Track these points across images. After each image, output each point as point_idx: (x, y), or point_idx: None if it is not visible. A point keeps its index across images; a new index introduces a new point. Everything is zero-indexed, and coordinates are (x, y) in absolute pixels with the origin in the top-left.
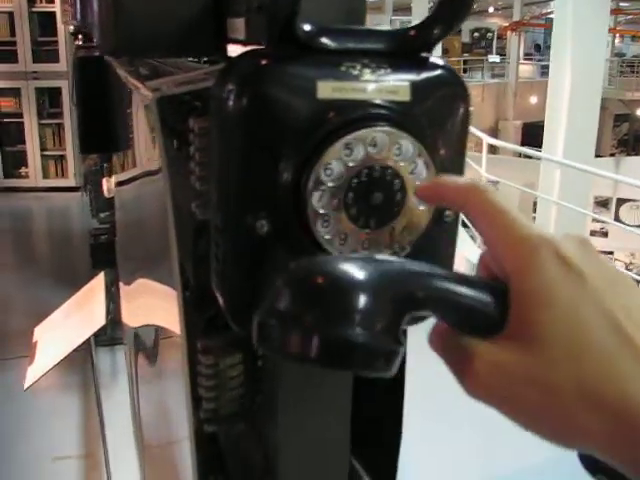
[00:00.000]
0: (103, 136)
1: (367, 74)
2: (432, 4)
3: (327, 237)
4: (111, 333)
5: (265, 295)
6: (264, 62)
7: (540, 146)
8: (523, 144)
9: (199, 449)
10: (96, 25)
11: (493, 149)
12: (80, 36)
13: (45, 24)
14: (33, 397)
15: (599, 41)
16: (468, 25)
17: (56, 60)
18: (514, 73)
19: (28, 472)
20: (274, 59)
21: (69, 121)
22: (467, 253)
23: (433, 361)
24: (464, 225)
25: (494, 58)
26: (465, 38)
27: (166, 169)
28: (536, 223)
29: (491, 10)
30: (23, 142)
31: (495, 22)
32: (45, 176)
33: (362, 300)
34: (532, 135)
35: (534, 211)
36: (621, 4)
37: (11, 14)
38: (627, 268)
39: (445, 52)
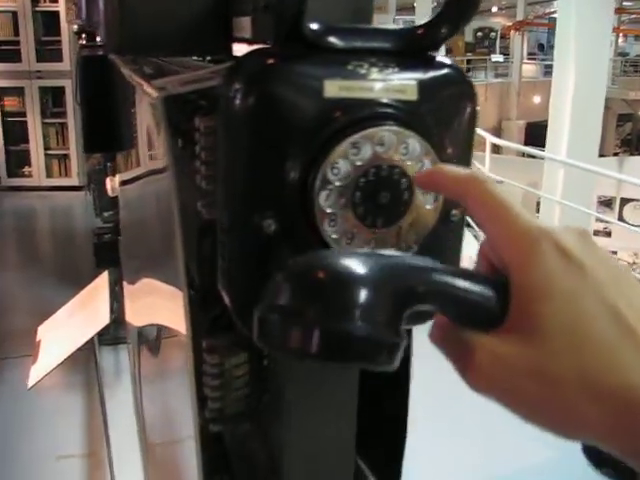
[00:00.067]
0: (107, 135)
1: (374, 73)
2: (435, 4)
3: (334, 236)
4: (114, 332)
5: (265, 291)
6: (271, 61)
7: (543, 146)
8: (526, 144)
9: (204, 449)
10: (102, 23)
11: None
12: (84, 35)
13: (49, 23)
14: (37, 396)
15: (603, 41)
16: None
17: (60, 59)
18: (517, 73)
19: (32, 471)
20: (281, 58)
21: (72, 120)
22: (472, 253)
23: (432, 361)
24: (467, 225)
25: (497, 58)
26: (468, 37)
27: (172, 168)
28: None
29: (494, 10)
30: (27, 141)
31: (498, 21)
32: (48, 175)
33: (362, 294)
34: (535, 135)
35: (537, 211)
36: (625, 3)
37: (15, 13)
38: (630, 268)
39: (448, 52)
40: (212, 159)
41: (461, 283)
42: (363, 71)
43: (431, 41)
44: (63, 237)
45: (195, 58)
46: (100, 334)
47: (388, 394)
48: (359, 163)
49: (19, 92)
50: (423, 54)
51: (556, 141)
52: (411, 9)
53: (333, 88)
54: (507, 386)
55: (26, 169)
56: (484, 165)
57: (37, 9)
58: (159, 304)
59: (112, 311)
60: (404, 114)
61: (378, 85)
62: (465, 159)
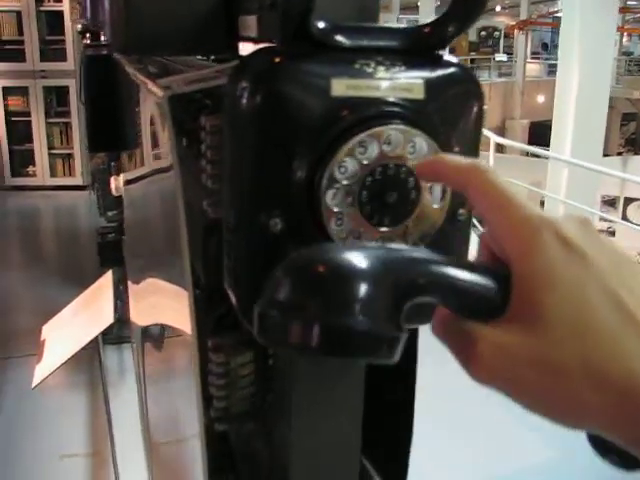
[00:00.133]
0: (112, 135)
1: (381, 72)
2: (439, 3)
3: (341, 235)
4: (118, 331)
5: (265, 286)
6: (278, 60)
7: (547, 145)
8: (530, 143)
9: (209, 448)
10: (107, 23)
11: (500, 148)
12: (88, 35)
13: (53, 23)
14: (41, 395)
15: (607, 40)
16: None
17: (64, 59)
18: (521, 72)
19: (36, 470)
20: (288, 57)
21: (76, 120)
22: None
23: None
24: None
25: (501, 57)
26: (472, 37)
27: (178, 167)
28: None
29: (498, 9)
30: (31, 141)
31: (502, 21)
32: (52, 175)
33: (362, 287)
34: (539, 134)
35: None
36: (629, 2)
37: (19, 13)
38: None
39: (452, 51)
40: (218, 158)
41: (461, 274)
42: (370, 70)
43: (438, 40)
44: (67, 236)
45: (199, 57)
46: (104, 333)
47: (394, 393)
48: (366, 162)
49: (23, 92)
50: (430, 53)
51: (560, 140)
52: (415, 8)
53: (340, 87)
54: (510, 376)
55: (30, 168)
56: (488, 164)
57: (41, 9)
58: (164, 303)
59: (116, 310)
60: (411, 113)
61: (385, 84)
62: (472, 157)
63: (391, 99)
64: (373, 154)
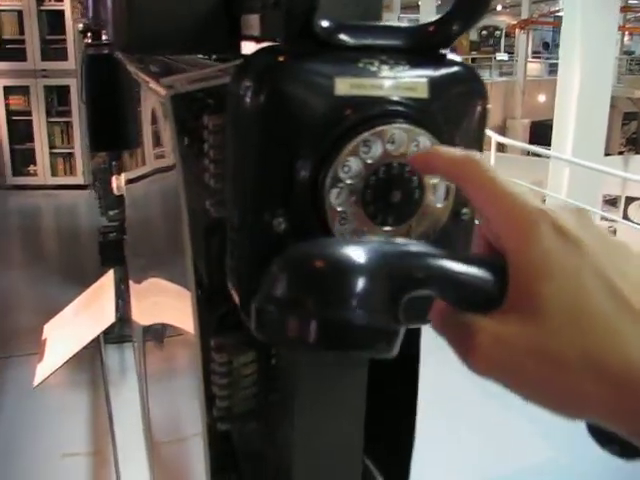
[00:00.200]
0: (113, 134)
1: (385, 70)
2: (440, 2)
3: (345, 235)
4: (119, 331)
5: (263, 281)
6: (282, 58)
7: (548, 145)
8: (531, 143)
9: (212, 447)
10: (110, 22)
11: (501, 147)
12: (89, 34)
13: (54, 22)
14: (42, 394)
15: (608, 39)
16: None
17: (64, 58)
18: (522, 71)
19: (37, 469)
20: (292, 55)
21: (77, 119)
22: None
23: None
24: None
25: (502, 56)
26: (473, 36)
27: (180, 166)
28: None
29: (499, 8)
30: (32, 140)
31: (503, 20)
32: (54, 174)
33: (359, 281)
34: (540, 133)
35: None
36: (630, 1)
37: (20, 12)
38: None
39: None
40: (221, 157)
41: (458, 266)
42: (374, 69)
43: (442, 39)
44: (68, 236)
45: (201, 56)
46: (105, 332)
47: (396, 393)
48: (370, 161)
49: (24, 91)
50: (434, 52)
51: (562, 140)
52: (415, 7)
53: (344, 86)
54: (508, 366)
55: (31, 168)
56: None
57: (42, 8)
58: (166, 303)
59: (117, 310)
60: (415, 112)
61: (389, 83)
62: None
63: (395, 98)
64: (377, 153)
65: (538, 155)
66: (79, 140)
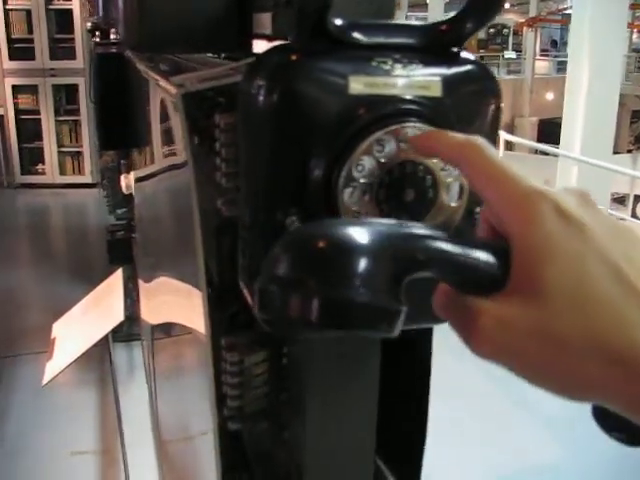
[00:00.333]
0: (123, 133)
1: (398, 69)
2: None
3: None
4: (128, 329)
5: (265, 262)
6: (295, 57)
7: (556, 143)
8: (539, 141)
9: (222, 446)
10: (121, 20)
11: (509, 146)
12: (97, 33)
13: (62, 21)
14: (51, 392)
15: (617, 37)
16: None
17: (73, 57)
18: (530, 69)
19: (45, 467)
20: (305, 54)
21: (86, 118)
22: None
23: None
24: None
25: (510, 54)
26: (481, 34)
27: (192, 165)
28: None
29: (507, 6)
30: (40, 139)
31: (511, 18)
32: (62, 173)
33: (362, 261)
34: (548, 132)
35: None
36: None
37: (29, 11)
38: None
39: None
40: (232, 156)
41: (461, 249)
42: (387, 67)
43: (455, 37)
44: (76, 234)
45: (210, 55)
46: (114, 331)
47: (408, 393)
48: (383, 160)
49: (33, 90)
50: (447, 50)
51: (570, 138)
52: (424, 6)
53: (358, 84)
54: (511, 349)
55: (40, 166)
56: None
57: (51, 7)
58: (176, 301)
59: (126, 308)
60: (428, 110)
61: (402, 81)
62: None
63: (408, 97)
64: (391, 152)
65: (546, 153)
66: (87, 139)
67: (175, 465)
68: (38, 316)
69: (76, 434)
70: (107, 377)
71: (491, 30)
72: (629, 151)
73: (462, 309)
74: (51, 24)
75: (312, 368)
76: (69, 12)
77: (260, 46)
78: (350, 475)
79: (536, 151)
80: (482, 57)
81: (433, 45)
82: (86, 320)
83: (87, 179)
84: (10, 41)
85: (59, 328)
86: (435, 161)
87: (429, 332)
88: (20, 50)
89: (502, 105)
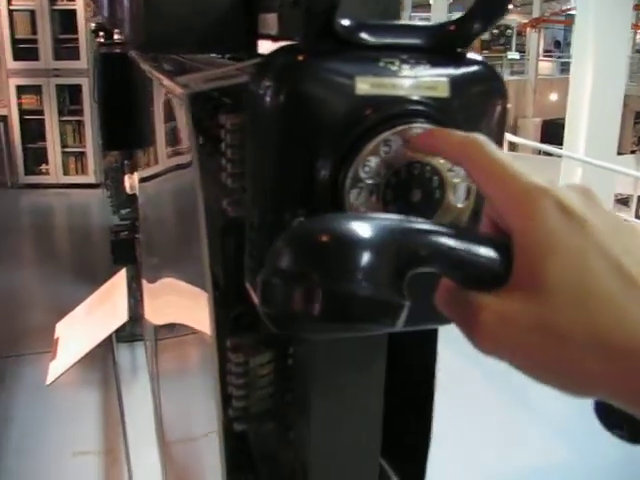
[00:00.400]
0: (127, 133)
1: (406, 70)
2: (451, 0)
3: None
4: (131, 329)
5: (268, 256)
6: (302, 58)
7: (559, 144)
8: (542, 142)
9: (228, 447)
10: (126, 21)
11: (513, 147)
12: (101, 33)
13: (66, 22)
14: (54, 392)
15: (621, 37)
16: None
17: (76, 57)
18: (533, 70)
19: (49, 467)
20: (312, 55)
21: (89, 118)
22: None
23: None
24: None
25: (513, 55)
26: (484, 35)
27: (198, 166)
28: None
29: (510, 6)
30: (44, 139)
31: (514, 19)
32: (65, 173)
33: (365, 255)
34: (551, 133)
35: None
36: None
37: (33, 12)
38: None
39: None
40: (238, 157)
41: (464, 244)
42: (394, 68)
43: (462, 38)
44: (80, 234)
45: (214, 55)
46: (117, 331)
47: (413, 394)
48: (390, 161)
49: (37, 90)
50: (454, 51)
51: (574, 139)
52: (427, 6)
53: (365, 85)
54: (514, 344)
55: (43, 167)
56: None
57: (55, 8)
58: (180, 302)
59: (130, 308)
60: (435, 111)
61: (409, 82)
62: None
63: (415, 97)
64: (397, 153)
65: (550, 154)
66: (91, 139)
67: (179, 465)
68: (41, 316)
69: (79, 434)
70: (110, 377)
71: (494, 31)
72: (633, 152)
73: (464, 304)
74: (55, 24)
75: (317, 369)
76: (73, 12)
77: (265, 46)
78: (355, 476)
79: (539, 152)
80: (485, 58)
81: (440, 46)
82: (90, 320)
83: (90, 179)
84: (14, 41)
85: (62, 328)
86: (442, 162)
87: (434, 333)
88: (24, 50)
89: (509, 105)
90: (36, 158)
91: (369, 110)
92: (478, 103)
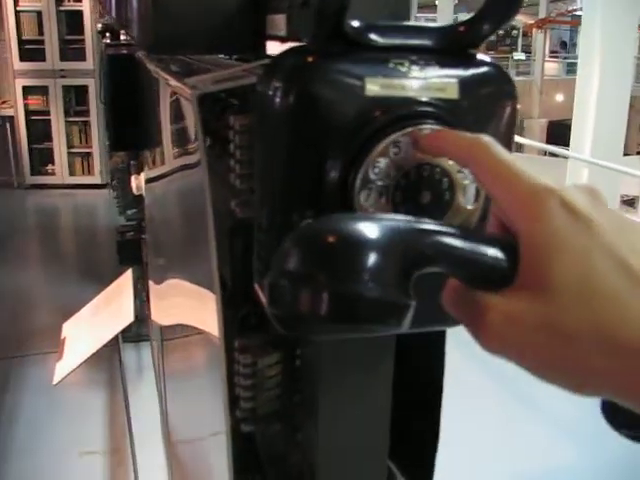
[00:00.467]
0: (134, 134)
1: (415, 71)
2: (457, 1)
3: None
4: (137, 330)
5: (275, 257)
6: (311, 59)
7: (565, 145)
8: (548, 142)
9: (235, 448)
10: (135, 22)
11: (519, 147)
12: (108, 34)
13: (72, 23)
14: (61, 392)
15: (628, 38)
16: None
17: (83, 58)
18: (539, 71)
19: (55, 466)
20: (321, 56)
21: (95, 119)
22: None
23: None
24: None
25: (519, 56)
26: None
27: (206, 167)
28: None
29: None
30: (50, 140)
31: (520, 19)
32: (72, 173)
33: (371, 256)
34: (557, 134)
35: None
36: None
37: (39, 13)
38: None
39: None
40: (247, 158)
41: (470, 244)
42: (404, 69)
43: (472, 39)
44: (86, 235)
45: (221, 56)
46: (123, 331)
47: (421, 395)
48: (400, 162)
49: (43, 91)
50: (464, 52)
51: (580, 140)
52: (432, 7)
53: (374, 86)
54: (520, 343)
55: (49, 167)
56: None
57: (61, 9)
58: (187, 303)
59: (136, 309)
60: (445, 113)
61: (419, 83)
62: None
63: (425, 99)
64: (407, 154)
65: (556, 155)
66: (97, 140)
67: (185, 466)
68: (48, 316)
69: (85, 434)
70: (116, 377)
71: (500, 31)
72: (639, 153)
73: (471, 304)
74: (61, 25)
75: (325, 370)
76: (79, 13)
77: (273, 47)
78: (363, 477)
79: (545, 153)
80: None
81: (450, 47)
82: (96, 321)
83: (96, 180)
84: (21, 42)
85: (69, 328)
86: (451, 163)
87: (442, 334)
88: (31, 51)
89: (519, 107)
90: (42, 159)
91: (379, 111)
92: (488, 104)
